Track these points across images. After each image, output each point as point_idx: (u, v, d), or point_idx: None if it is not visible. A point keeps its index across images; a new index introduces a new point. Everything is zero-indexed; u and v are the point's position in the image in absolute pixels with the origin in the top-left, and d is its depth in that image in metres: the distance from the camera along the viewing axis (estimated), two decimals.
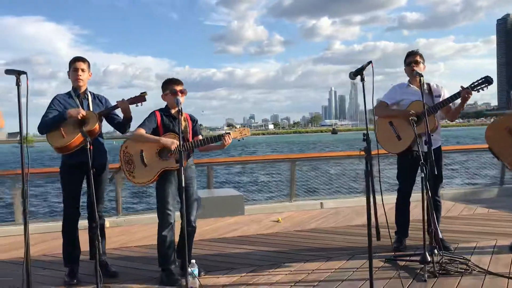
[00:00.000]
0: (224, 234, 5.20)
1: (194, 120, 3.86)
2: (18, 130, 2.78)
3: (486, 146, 4.12)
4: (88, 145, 3.24)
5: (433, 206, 3.75)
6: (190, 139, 3.74)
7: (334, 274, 3.62)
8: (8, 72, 2.81)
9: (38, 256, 4.42)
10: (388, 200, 3.57)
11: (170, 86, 3.73)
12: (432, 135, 3.75)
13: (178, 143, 3.54)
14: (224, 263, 4.02)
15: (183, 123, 3.73)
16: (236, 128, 3.76)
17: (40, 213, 11.30)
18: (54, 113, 3.63)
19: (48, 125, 3.58)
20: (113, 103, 3.81)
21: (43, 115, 3.65)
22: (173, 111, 3.74)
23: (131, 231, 5.52)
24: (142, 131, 3.64)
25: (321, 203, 8.19)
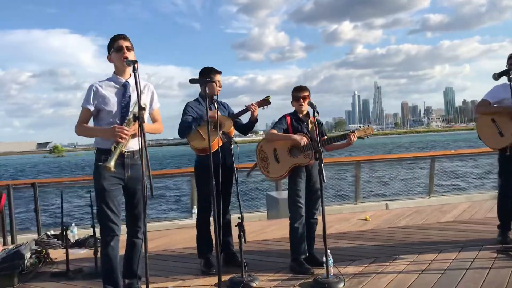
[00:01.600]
0: (318, 231, 5.46)
1: (320, 123, 4.17)
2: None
3: None
4: (232, 145, 3.61)
5: None
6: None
7: (455, 264, 3.85)
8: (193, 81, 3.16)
9: (158, 251, 4.79)
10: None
11: (294, 93, 4.08)
12: None
13: (307, 140, 3.88)
14: (340, 255, 4.27)
15: (310, 125, 4.06)
16: (360, 127, 4.04)
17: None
18: (190, 118, 3.98)
19: (188, 128, 3.93)
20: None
21: (181, 120, 4.01)
22: (300, 115, 4.08)
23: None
24: (275, 131, 4.00)
25: (386, 204, 8.45)
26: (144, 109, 2.88)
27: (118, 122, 3.14)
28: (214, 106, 4.15)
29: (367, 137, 4.00)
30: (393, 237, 4.96)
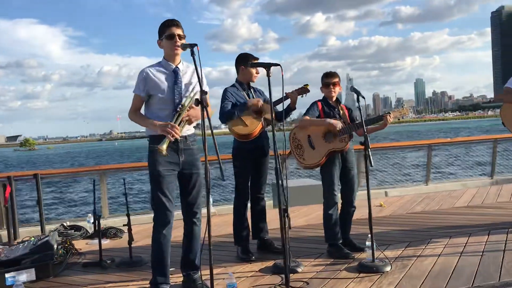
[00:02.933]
0: None
1: (349, 109, 4.18)
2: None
3: None
4: (277, 130, 3.58)
5: None
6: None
7: (490, 246, 3.93)
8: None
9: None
10: None
11: (325, 79, 4.06)
12: None
13: (342, 124, 3.89)
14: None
15: (341, 112, 4.07)
16: (396, 109, 4.06)
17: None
18: (229, 104, 3.95)
19: (231, 114, 3.90)
20: None
21: (220, 106, 3.97)
22: (330, 102, 4.08)
23: None
24: (307, 117, 3.99)
25: (386, 191, 8.57)
26: (206, 93, 2.83)
27: (171, 108, 3.08)
28: (251, 92, 4.13)
29: (402, 117, 4.03)
30: (416, 222, 5.04)
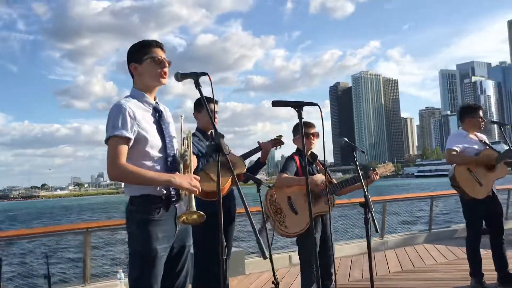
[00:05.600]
0: None
1: (324, 165, 3.66)
2: None
3: None
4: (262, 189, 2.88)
5: None
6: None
7: None
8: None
9: None
10: None
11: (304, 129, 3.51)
12: None
13: (323, 182, 3.32)
14: None
15: (319, 167, 3.54)
16: (380, 164, 3.66)
17: None
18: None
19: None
20: None
21: None
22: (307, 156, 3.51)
23: None
24: (287, 175, 3.35)
25: (290, 255, 8.05)
26: (223, 136, 2.04)
27: (169, 159, 2.22)
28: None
29: (388, 175, 3.64)
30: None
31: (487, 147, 4.40)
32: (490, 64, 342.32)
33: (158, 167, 2.19)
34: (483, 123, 4.49)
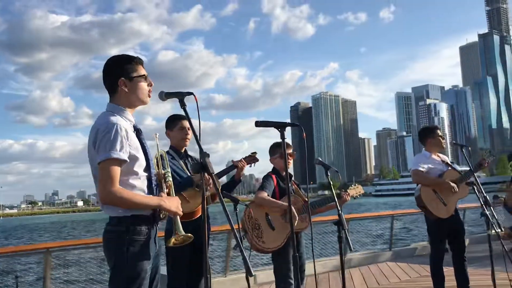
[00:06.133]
0: None
1: (298, 184, 3.74)
2: None
3: None
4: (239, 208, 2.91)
5: None
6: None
7: None
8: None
9: None
10: None
11: (279, 150, 3.59)
12: None
13: (299, 206, 3.41)
14: None
15: (294, 187, 3.61)
16: (351, 186, 3.77)
17: None
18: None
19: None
20: None
21: None
22: (284, 173, 3.58)
23: None
24: (265, 194, 3.39)
25: (255, 275, 8.01)
26: (209, 155, 2.06)
27: (153, 178, 2.23)
28: (189, 161, 3.39)
29: (358, 196, 3.74)
30: None
31: (449, 168, 4.61)
32: (443, 87, 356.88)
33: (144, 186, 2.18)
34: (443, 141, 4.72)
